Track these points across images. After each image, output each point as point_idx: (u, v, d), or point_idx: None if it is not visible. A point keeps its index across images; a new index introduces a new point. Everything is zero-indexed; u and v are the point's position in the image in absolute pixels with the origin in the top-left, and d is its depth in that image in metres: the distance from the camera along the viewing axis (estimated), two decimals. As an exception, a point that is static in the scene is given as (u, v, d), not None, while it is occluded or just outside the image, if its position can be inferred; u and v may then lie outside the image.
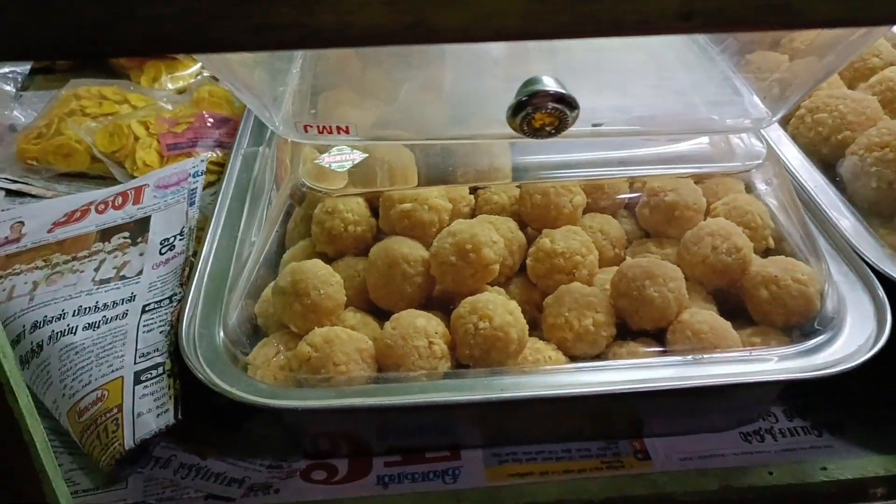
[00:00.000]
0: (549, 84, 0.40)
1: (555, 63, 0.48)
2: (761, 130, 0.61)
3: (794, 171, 0.63)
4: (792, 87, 0.47)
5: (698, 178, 0.59)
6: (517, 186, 0.60)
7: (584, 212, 0.60)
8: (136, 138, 0.77)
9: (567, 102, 0.40)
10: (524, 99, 0.40)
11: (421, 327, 0.49)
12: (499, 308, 0.49)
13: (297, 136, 0.49)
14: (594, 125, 0.46)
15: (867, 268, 0.53)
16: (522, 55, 0.54)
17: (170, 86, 0.92)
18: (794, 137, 0.68)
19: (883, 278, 0.52)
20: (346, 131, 0.47)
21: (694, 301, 0.54)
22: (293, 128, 0.48)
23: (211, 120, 0.81)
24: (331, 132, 0.47)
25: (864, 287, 0.52)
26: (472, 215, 0.60)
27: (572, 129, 0.47)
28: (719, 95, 0.50)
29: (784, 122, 0.69)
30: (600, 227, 0.58)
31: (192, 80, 0.92)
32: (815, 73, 0.45)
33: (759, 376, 0.46)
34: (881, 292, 0.51)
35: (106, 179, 0.77)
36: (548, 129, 0.41)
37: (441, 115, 0.51)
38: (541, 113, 0.40)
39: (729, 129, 0.49)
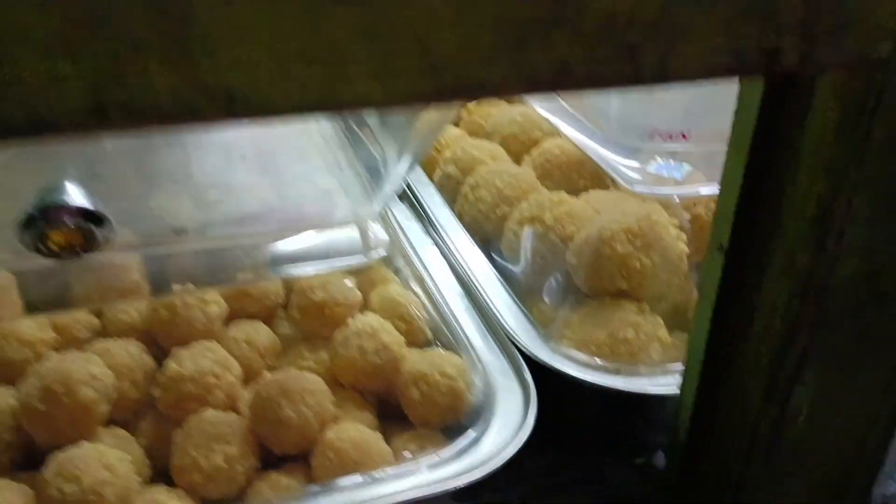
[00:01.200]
0: (72, 196, 0.33)
1: (141, 166, 0.42)
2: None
3: (456, 252, 0.61)
4: (382, 174, 0.45)
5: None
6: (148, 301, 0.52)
7: (233, 318, 0.53)
8: None
9: (94, 218, 0.33)
10: (34, 214, 0.32)
11: (-17, 508, 0.38)
12: (91, 464, 0.40)
13: None
14: (175, 231, 0.40)
15: (517, 351, 0.51)
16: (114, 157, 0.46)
17: None
18: (460, 216, 0.66)
19: (533, 361, 0.51)
20: None
21: (349, 411, 0.49)
22: None
23: None
24: None
25: (514, 372, 0.50)
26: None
27: (156, 236, 0.41)
28: (330, 186, 0.47)
29: (452, 202, 0.69)
30: (246, 337, 0.52)
31: None
32: (397, 160, 0.43)
33: (396, 497, 0.42)
34: (527, 375, 0.49)
35: None
36: (73, 248, 0.33)
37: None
38: (59, 231, 0.32)
39: (335, 223, 0.46)
